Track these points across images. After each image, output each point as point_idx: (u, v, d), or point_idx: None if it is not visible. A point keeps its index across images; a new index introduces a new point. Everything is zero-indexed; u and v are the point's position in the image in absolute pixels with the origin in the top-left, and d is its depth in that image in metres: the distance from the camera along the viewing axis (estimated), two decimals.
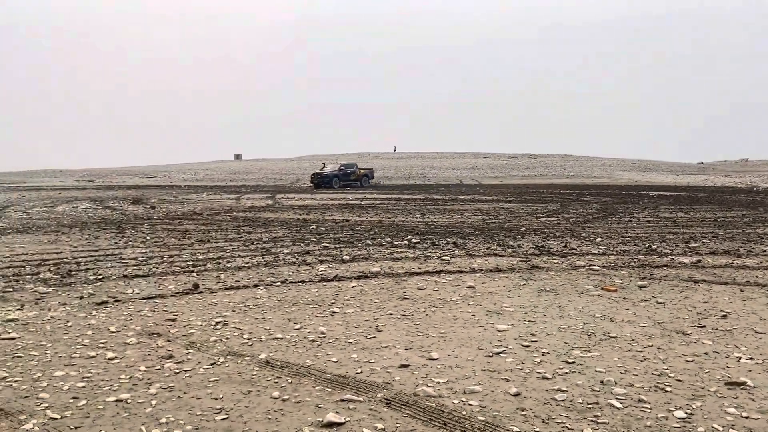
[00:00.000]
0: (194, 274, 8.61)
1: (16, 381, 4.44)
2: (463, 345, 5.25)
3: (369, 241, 11.91)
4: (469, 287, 7.59)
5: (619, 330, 5.65)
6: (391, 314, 6.32)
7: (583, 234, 13.01)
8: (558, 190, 33.42)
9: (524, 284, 7.77)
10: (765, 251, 10.35)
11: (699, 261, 9.30)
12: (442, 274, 8.47)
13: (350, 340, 5.39)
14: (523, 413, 3.81)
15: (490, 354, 4.98)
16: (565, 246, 11.09)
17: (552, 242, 11.64)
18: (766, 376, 4.44)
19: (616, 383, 4.29)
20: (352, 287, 7.64)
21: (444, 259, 9.68)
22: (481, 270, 8.79)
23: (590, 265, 8.96)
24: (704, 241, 11.74)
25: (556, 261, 9.48)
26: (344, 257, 9.91)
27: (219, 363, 4.83)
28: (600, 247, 10.93)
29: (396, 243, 11.63)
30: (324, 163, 45.69)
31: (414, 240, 11.97)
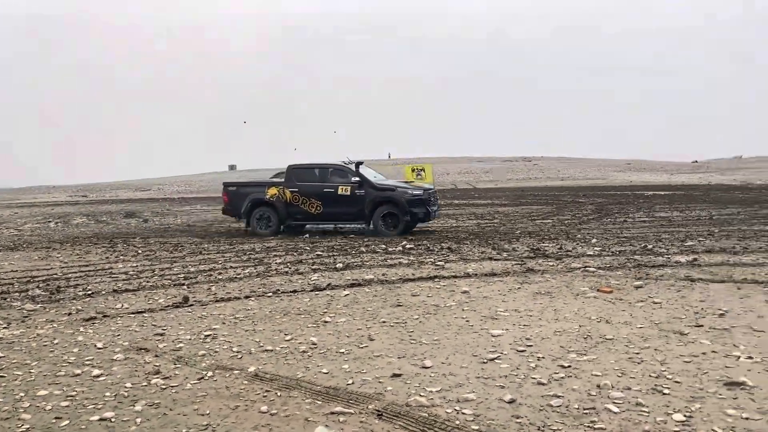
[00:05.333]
0: (185, 287, 8.49)
1: None
2: (457, 352, 5.14)
3: (363, 249, 11.81)
4: (464, 292, 7.48)
5: (615, 332, 5.56)
6: (384, 322, 6.21)
7: (579, 235, 12.92)
8: (553, 193, 33.35)
9: (519, 288, 7.67)
10: (761, 248, 10.28)
11: (695, 259, 9.22)
12: (436, 280, 8.37)
13: (342, 350, 5.28)
14: (518, 421, 3.70)
15: (485, 360, 4.88)
16: (561, 248, 11.00)
17: (547, 245, 11.55)
18: (765, 376, 4.34)
19: (613, 387, 4.19)
20: (345, 295, 7.53)
21: (438, 265, 9.58)
22: (476, 274, 8.69)
23: (586, 267, 8.87)
24: (700, 239, 11.67)
25: (551, 263, 9.38)
26: (337, 265, 9.80)
27: (207, 377, 4.71)
28: (595, 248, 10.85)
29: (390, 249, 11.54)
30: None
31: (408, 246, 11.88)
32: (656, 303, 6.61)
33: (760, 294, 6.88)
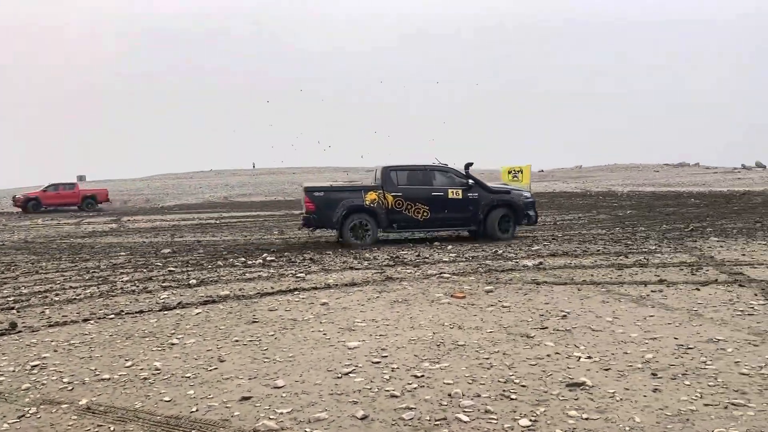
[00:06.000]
0: (14, 311, 7.63)
1: None
2: (312, 368, 4.98)
3: (220, 263, 11.32)
4: (323, 304, 7.35)
5: (467, 337, 5.67)
6: (237, 341, 5.91)
7: (435, 242, 13.28)
8: None
9: (378, 297, 7.67)
10: (599, 251, 11.11)
11: (541, 263, 9.76)
12: (295, 293, 8.16)
13: (188, 375, 4.92)
14: None
15: (339, 375, 4.76)
16: (419, 255, 11.23)
17: (406, 252, 11.74)
18: (603, 375, 4.59)
19: (463, 395, 4.23)
20: (197, 314, 7.11)
21: (299, 277, 9.38)
22: (336, 285, 8.60)
23: (441, 273, 9.08)
24: (545, 243, 12.41)
25: (409, 271, 9.51)
26: (191, 281, 9.29)
27: (29, 414, 4.18)
28: (451, 254, 11.18)
29: (249, 262, 11.15)
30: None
31: (269, 258, 11.56)
32: (505, 307, 6.86)
33: (598, 295, 7.38)
